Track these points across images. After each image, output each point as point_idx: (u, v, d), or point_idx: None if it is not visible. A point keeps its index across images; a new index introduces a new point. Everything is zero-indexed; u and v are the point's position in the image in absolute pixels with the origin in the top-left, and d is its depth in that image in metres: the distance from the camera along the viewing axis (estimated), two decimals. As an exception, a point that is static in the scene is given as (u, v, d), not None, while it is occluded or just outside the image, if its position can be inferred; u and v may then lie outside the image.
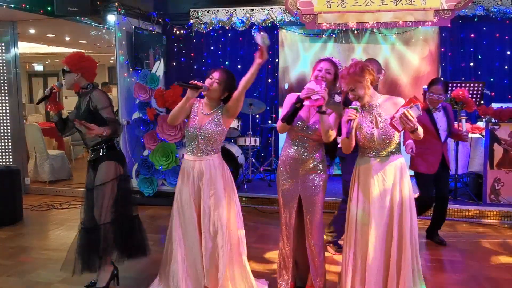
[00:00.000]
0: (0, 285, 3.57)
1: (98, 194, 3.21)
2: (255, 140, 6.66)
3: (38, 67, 14.16)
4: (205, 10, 6.88)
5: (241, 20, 6.71)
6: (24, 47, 8.06)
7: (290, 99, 3.09)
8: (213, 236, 3.05)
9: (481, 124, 5.73)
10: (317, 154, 3.08)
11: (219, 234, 3.04)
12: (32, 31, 7.38)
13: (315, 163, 3.07)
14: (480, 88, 5.54)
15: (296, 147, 3.09)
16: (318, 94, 2.78)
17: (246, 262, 3.20)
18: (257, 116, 7.24)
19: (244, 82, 2.95)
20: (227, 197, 3.12)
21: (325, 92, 2.83)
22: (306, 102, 2.83)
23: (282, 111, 3.11)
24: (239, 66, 7.29)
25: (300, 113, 3.00)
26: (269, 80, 7.34)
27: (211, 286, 3.05)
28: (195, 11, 6.93)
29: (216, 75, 3.06)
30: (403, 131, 2.72)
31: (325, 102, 2.83)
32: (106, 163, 3.25)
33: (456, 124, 5.30)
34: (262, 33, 2.85)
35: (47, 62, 13.98)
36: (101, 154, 3.28)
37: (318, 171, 3.08)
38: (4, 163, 6.44)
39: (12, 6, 5.51)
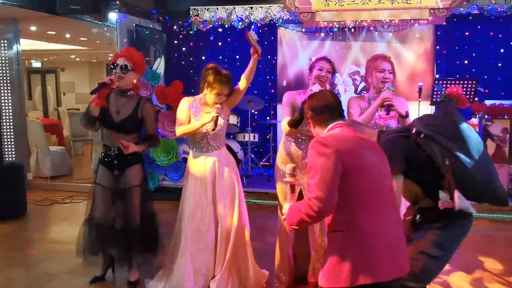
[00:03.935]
0: (9, 276, 3.68)
1: (130, 196, 3.29)
2: (254, 136, 6.78)
3: (36, 64, 14.20)
4: (205, 8, 6.97)
5: (240, 18, 6.81)
6: (23, 44, 8.11)
7: (288, 98, 3.17)
8: (228, 224, 3.21)
9: (474, 121, 5.86)
10: None
11: (233, 222, 3.21)
12: (33, 28, 7.45)
13: None
14: (473, 85, 5.66)
15: (295, 144, 3.21)
16: None
17: (250, 249, 3.33)
18: (256, 112, 7.35)
19: (248, 76, 3.16)
20: (237, 186, 3.29)
21: None
22: None
23: (282, 111, 3.19)
24: (238, 64, 7.39)
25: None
26: (268, 77, 7.45)
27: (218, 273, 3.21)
28: (195, 9, 7.01)
29: (224, 90, 3.16)
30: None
31: None
32: (137, 166, 3.33)
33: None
34: (250, 32, 2.96)
35: (45, 59, 14.03)
36: (131, 157, 3.27)
37: None
38: (7, 159, 6.52)
39: (15, 4, 5.59)
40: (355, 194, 1.91)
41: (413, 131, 2.23)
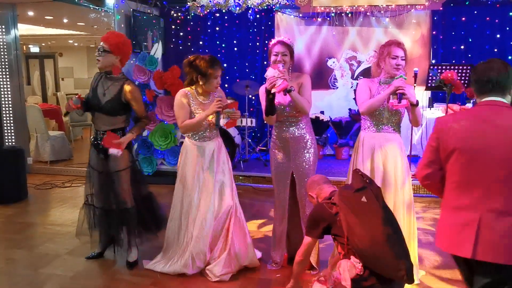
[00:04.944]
0: (11, 257, 3.78)
1: (118, 180, 3.37)
2: (251, 121, 6.84)
3: (34, 49, 14.16)
4: (202, -7, 6.96)
5: (238, 3, 6.81)
6: (20, 29, 8.10)
7: (262, 91, 3.25)
8: (223, 205, 3.34)
9: (469, 105, 5.93)
10: (305, 130, 3.28)
11: (227, 202, 3.34)
12: (31, 13, 7.44)
13: (305, 140, 3.28)
14: (468, 71, 5.71)
15: (284, 128, 3.29)
16: (280, 78, 2.93)
17: (244, 227, 3.45)
18: (253, 97, 7.40)
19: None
20: (230, 169, 3.43)
21: (286, 73, 3.02)
22: (274, 90, 2.99)
23: (262, 104, 3.28)
24: (235, 49, 7.43)
25: (277, 99, 3.18)
26: (265, 63, 7.47)
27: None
28: (192, -7, 7.00)
29: (219, 72, 3.28)
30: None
31: (289, 81, 3.02)
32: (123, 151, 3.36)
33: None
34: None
35: (43, 44, 13.98)
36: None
37: (308, 147, 3.29)
38: (7, 144, 6.58)
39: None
40: (448, 171, 2.03)
41: (332, 200, 2.39)
